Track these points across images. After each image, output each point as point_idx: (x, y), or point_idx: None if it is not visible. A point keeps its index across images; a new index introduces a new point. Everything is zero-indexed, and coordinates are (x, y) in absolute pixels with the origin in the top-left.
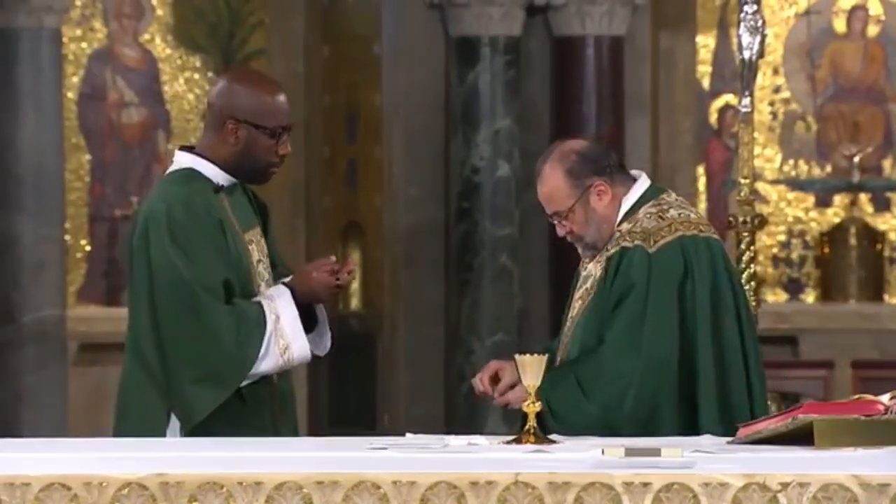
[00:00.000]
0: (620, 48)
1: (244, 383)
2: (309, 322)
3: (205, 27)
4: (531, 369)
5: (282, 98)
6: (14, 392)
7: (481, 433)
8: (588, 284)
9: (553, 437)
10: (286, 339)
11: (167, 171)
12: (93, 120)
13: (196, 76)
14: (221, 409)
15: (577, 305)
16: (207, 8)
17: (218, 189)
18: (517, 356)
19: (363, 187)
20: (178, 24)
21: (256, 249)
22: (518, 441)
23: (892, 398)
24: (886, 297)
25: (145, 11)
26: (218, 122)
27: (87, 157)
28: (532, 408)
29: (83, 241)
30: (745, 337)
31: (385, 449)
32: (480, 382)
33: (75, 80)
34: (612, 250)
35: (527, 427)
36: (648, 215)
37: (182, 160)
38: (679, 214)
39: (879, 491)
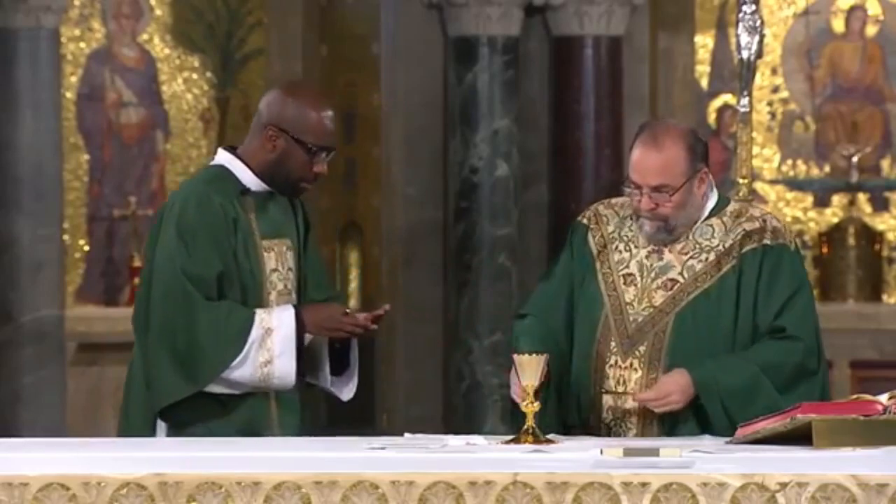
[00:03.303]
0: (619, 48)
1: (221, 389)
2: (342, 365)
3: (203, 27)
4: (530, 369)
5: (329, 119)
6: (12, 392)
7: (480, 433)
8: (674, 275)
9: (551, 436)
10: (271, 353)
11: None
12: (91, 120)
13: (194, 76)
14: (206, 408)
15: (658, 295)
16: (206, 8)
17: (244, 191)
18: (515, 355)
19: (362, 187)
20: (176, 24)
21: (275, 259)
22: (517, 441)
23: (890, 398)
24: (885, 296)
25: (144, 11)
26: (260, 127)
27: (86, 156)
28: (531, 408)
29: (81, 241)
30: None
31: (383, 449)
32: None
33: (73, 80)
34: (750, 246)
35: (525, 427)
36: (764, 214)
37: (219, 158)
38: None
39: (878, 491)
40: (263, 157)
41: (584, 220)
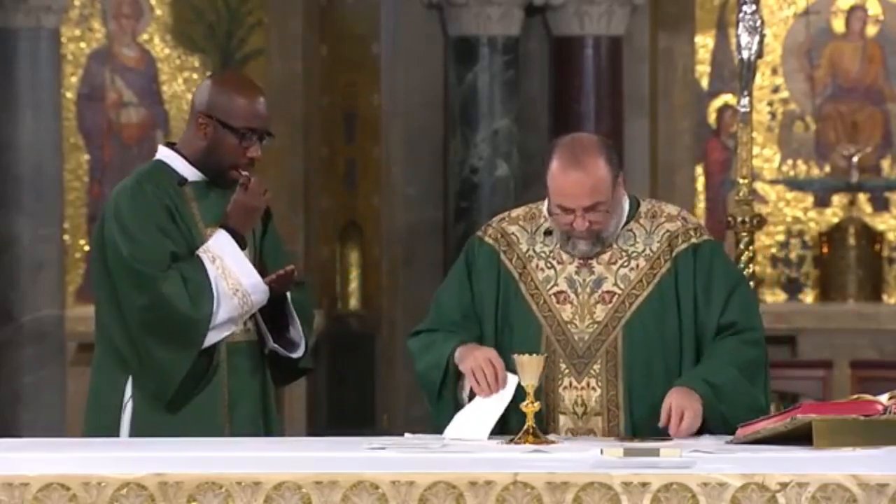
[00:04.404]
0: (619, 48)
1: (218, 338)
2: (281, 324)
3: (203, 27)
4: (530, 369)
5: (257, 102)
6: (13, 392)
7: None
8: (609, 287)
9: (551, 437)
10: (234, 276)
11: None
12: (91, 120)
13: (195, 76)
14: (169, 405)
15: (598, 309)
16: (206, 8)
17: (181, 182)
18: (515, 356)
19: (362, 187)
20: (176, 24)
21: None
22: (517, 441)
23: (890, 398)
24: (885, 296)
25: (144, 11)
26: (193, 117)
27: (86, 156)
28: (531, 408)
29: (82, 241)
30: None
31: (384, 449)
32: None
33: (74, 80)
34: (682, 247)
35: (525, 427)
36: (680, 212)
37: (158, 153)
38: None
39: (878, 491)
40: (197, 145)
41: (490, 241)
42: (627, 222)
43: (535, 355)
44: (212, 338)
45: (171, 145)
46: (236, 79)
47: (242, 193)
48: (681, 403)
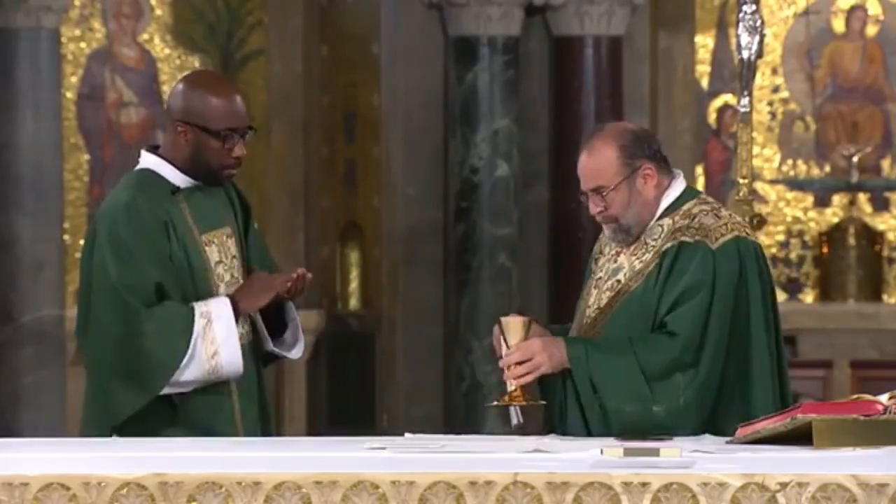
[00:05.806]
0: (619, 48)
1: (173, 391)
2: (278, 327)
3: (203, 27)
4: (514, 331)
5: (233, 101)
6: (12, 392)
7: (480, 433)
8: (620, 276)
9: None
10: (216, 343)
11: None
12: (91, 120)
13: None
14: (160, 416)
15: (605, 296)
16: (206, 8)
17: (174, 190)
18: (501, 318)
19: (362, 187)
20: (176, 24)
21: (217, 251)
22: (504, 403)
23: (890, 398)
24: (885, 296)
25: (144, 11)
26: (171, 124)
27: (86, 157)
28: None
29: (82, 241)
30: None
31: (384, 449)
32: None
33: (74, 79)
34: (668, 244)
35: (512, 389)
36: (704, 212)
37: (144, 160)
38: (730, 215)
39: (878, 491)
40: (181, 152)
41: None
42: (662, 217)
43: (518, 317)
44: (167, 390)
45: (153, 149)
46: (209, 79)
47: (272, 277)
48: (536, 348)
